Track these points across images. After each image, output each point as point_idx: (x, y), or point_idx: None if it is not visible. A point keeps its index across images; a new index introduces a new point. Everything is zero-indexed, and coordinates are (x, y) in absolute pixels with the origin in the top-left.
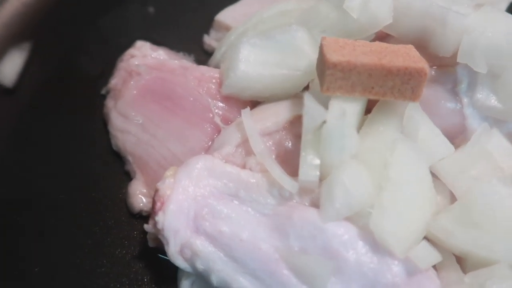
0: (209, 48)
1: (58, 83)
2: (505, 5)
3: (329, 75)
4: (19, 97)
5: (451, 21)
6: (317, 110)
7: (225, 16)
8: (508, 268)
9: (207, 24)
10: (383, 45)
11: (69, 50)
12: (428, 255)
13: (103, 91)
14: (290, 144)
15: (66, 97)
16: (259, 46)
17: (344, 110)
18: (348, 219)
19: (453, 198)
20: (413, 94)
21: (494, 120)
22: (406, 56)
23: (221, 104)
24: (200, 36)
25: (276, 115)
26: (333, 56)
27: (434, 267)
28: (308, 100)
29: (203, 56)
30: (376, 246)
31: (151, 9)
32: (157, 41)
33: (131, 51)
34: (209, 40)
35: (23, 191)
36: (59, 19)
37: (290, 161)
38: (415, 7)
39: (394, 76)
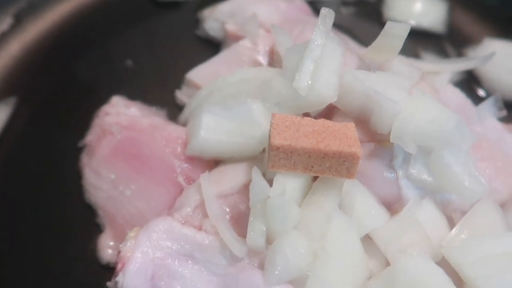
0: (180, 102)
1: (39, 134)
2: (448, 76)
3: (273, 156)
4: (1, 148)
5: (385, 106)
6: (262, 186)
7: (194, 75)
8: None
9: (180, 80)
10: (326, 124)
11: (50, 102)
12: None
13: (80, 144)
14: (243, 207)
15: (45, 149)
16: (219, 115)
17: (285, 187)
18: (290, 282)
19: (387, 262)
20: (348, 173)
21: (428, 190)
22: (344, 138)
23: (185, 165)
24: (173, 90)
25: (232, 179)
26: (276, 140)
27: None
28: (255, 176)
29: (175, 110)
30: None
31: (129, 62)
32: (133, 93)
33: (106, 108)
34: (180, 95)
35: None
36: (42, 73)
37: (243, 223)
38: (357, 89)
39: (331, 158)
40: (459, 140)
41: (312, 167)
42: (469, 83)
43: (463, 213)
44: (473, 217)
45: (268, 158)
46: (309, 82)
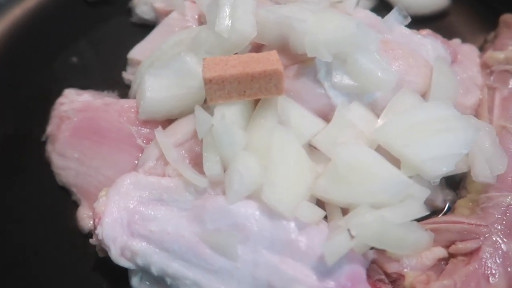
0: (128, 82)
1: (5, 140)
2: (353, 2)
3: (208, 89)
4: None
5: (297, 27)
6: (205, 118)
7: (135, 53)
8: (366, 208)
9: (123, 62)
10: (250, 55)
11: (6, 107)
12: (310, 212)
13: (43, 138)
14: (198, 148)
15: (11, 150)
16: (159, 75)
17: (224, 113)
18: (249, 197)
19: None
20: (277, 89)
21: (355, 94)
22: (266, 61)
23: (141, 128)
24: (119, 73)
25: (184, 128)
26: (207, 74)
27: (326, 218)
28: (198, 111)
29: (125, 90)
30: (271, 213)
31: (74, 59)
32: (83, 85)
33: (60, 99)
34: (127, 75)
35: None
36: None
37: (200, 162)
38: (271, 19)
39: (258, 79)
40: (364, 40)
41: (245, 91)
42: (383, 8)
43: None
44: (394, 104)
45: (206, 94)
46: (229, 24)
